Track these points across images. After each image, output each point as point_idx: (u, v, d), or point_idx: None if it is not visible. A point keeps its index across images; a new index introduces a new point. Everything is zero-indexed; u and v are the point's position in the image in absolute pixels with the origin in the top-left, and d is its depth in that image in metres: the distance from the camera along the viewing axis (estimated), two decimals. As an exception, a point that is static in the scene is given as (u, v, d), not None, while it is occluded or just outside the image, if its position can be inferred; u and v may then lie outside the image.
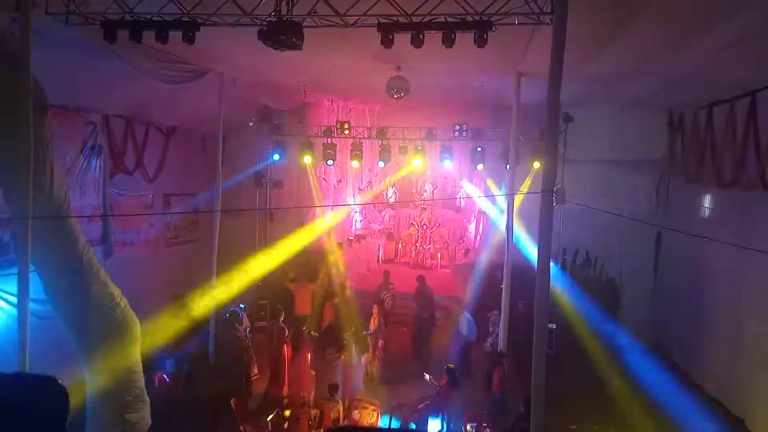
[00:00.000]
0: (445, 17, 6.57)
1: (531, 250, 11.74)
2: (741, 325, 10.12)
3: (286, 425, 9.20)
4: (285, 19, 6.62)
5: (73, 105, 10.25)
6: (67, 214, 7.96)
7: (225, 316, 11.88)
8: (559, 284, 12.56)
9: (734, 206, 10.42)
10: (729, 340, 10.46)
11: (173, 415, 9.37)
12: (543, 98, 6.40)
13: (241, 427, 8.94)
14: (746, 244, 8.12)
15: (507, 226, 11.39)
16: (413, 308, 13.41)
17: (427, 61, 9.18)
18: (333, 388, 9.51)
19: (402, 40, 6.63)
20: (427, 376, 10.22)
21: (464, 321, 12.24)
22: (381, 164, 15.39)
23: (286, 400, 10.18)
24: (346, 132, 14.57)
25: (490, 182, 15.66)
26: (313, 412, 9.41)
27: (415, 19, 6.63)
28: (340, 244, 15.92)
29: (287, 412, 9.34)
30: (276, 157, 15.52)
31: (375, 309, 12.11)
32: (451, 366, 10.10)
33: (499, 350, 11.16)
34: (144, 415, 8.79)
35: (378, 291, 13.69)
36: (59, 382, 0.88)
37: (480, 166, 14.41)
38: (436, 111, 14.75)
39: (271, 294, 13.93)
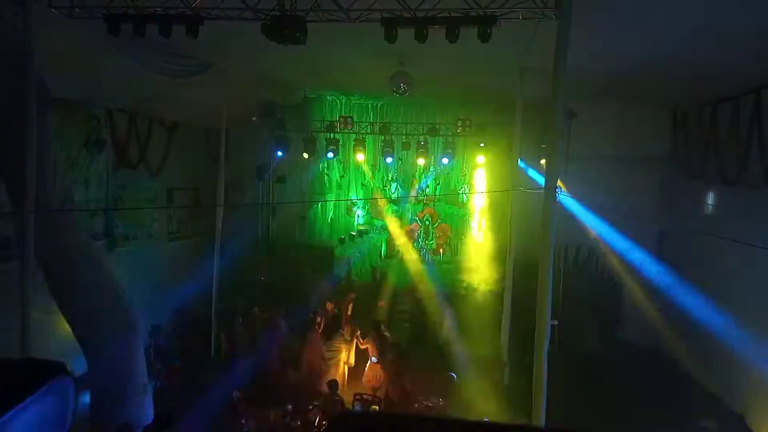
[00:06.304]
0: (449, 12, 6.55)
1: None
2: (742, 321, 10.09)
3: (289, 420, 9.20)
4: (288, 13, 6.61)
5: (76, 99, 10.25)
6: (70, 208, 7.98)
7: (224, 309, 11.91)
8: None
9: (738, 204, 10.39)
10: (731, 337, 10.43)
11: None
12: (547, 94, 6.38)
13: (244, 421, 8.95)
14: (749, 241, 8.09)
15: (510, 220, 11.38)
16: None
17: (430, 57, 9.15)
18: (332, 385, 9.53)
19: (406, 35, 6.62)
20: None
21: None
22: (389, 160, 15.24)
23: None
24: (349, 127, 14.56)
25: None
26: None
27: (418, 14, 6.62)
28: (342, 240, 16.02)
29: (290, 407, 9.35)
30: (279, 153, 15.54)
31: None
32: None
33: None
34: (146, 409, 8.82)
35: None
36: (68, 368, 0.88)
37: (482, 162, 14.39)
38: (439, 106, 14.71)
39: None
